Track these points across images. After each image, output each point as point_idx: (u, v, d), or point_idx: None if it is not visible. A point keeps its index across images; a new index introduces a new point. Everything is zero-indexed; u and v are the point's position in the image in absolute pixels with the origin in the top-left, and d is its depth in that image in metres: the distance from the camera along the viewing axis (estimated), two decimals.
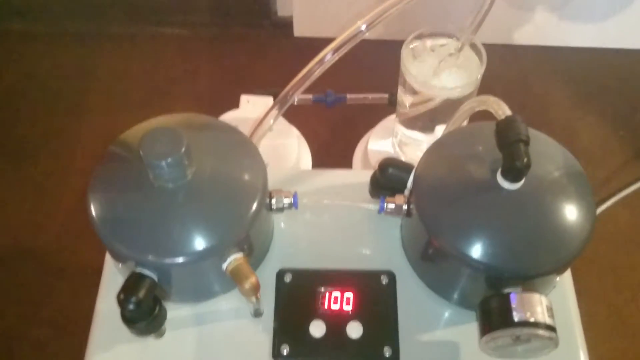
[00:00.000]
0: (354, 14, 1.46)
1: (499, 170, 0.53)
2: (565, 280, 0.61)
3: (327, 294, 0.59)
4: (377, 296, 0.60)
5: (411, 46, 0.78)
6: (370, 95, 0.95)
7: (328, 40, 0.71)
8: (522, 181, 0.53)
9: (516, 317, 0.50)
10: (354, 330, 0.58)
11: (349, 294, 0.59)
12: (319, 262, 0.62)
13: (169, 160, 0.51)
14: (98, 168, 0.56)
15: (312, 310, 0.59)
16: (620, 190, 1.35)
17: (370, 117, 1.05)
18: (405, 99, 0.82)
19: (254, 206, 0.55)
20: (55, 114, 1.46)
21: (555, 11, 1.44)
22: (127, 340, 0.57)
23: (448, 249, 0.53)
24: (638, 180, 1.36)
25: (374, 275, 0.61)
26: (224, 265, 0.54)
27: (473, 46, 0.78)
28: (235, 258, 0.54)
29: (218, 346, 0.58)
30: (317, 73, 0.69)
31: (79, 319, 1.20)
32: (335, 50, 0.68)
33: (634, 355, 1.18)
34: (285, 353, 0.57)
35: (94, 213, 0.54)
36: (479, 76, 0.75)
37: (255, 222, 0.55)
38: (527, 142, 0.51)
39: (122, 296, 0.52)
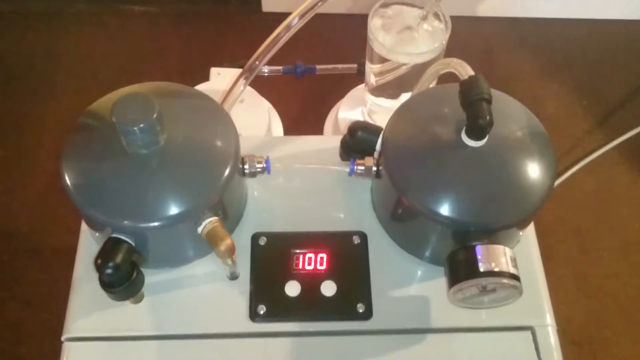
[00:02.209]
0: None
1: (464, 129, 0.55)
2: (528, 235, 0.64)
3: (301, 256, 0.61)
4: (349, 256, 0.62)
5: (377, 15, 0.79)
6: (339, 66, 0.96)
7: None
8: (486, 139, 0.55)
9: (482, 267, 0.52)
10: (328, 288, 0.60)
11: (322, 255, 0.61)
12: (292, 225, 0.63)
13: (141, 126, 0.51)
14: (70, 136, 0.57)
15: (287, 271, 0.61)
16: (584, 157, 1.39)
17: (339, 87, 1.06)
18: (373, 67, 0.84)
19: (227, 170, 0.56)
20: (20, 95, 1.44)
21: None
22: (106, 306, 0.59)
23: (416, 207, 0.55)
24: (601, 147, 1.41)
25: (346, 236, 0.63)
26: (200, 229, 0.56)
27: (436, 15, 0.79)
28: (210, 221, 0.56)
29: (196, 309, 0.59)
30: (284, 39, 0.70)
31: (53, 298, 1.21)
32: (302, 16, 0.69)
33: (600, 315, 1.22)
34: (262, 313, 0.59)
35: (68, 180, 0.54)
36: (444, 42, 0.76)
37: (229, 186, 0.56)
38: (489, 101, 0.53)
39: (99, 261, 0.53)
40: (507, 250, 0.53)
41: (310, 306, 0.59)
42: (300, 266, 0.61)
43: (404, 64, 0.78)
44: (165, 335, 0.58)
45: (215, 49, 1.47)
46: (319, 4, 0.67)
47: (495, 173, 0.55)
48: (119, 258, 0.53)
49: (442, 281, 0.60)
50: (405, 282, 0.61)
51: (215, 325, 0.58)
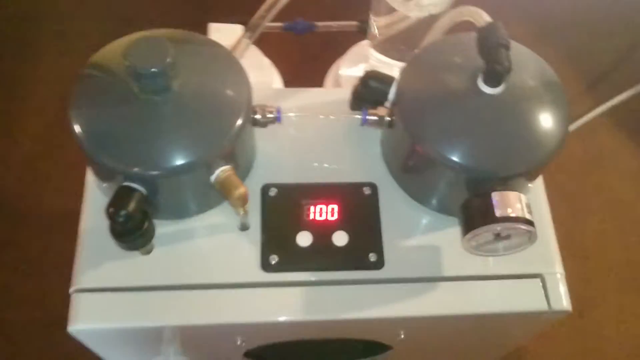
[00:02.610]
0: None
1: (480, 75, 0.54)
2: (537, 185, 0.64)
3: (312, 206, 0.61)
4: (360, 207, 0.62)
5: None
6: (339, 23, 0.94)
7: None
8: (503, 86, 0.54)
9: (498, 212, 0.52)
10: (340, 238, 0.60)
11: (333, 206, 0.61)
12: (302, 177, 0.63)
13: (155, 69, 0.50)
14: (77, 84, 0.55)
15: (298, 221, 0.60)
16: (574, 120, 1.40)
17: (341, 46, 1.05)
18: (380, 20, 0.83)
19: (240, 118, 0.55)
20: (4, 56, 1.40)
21: None
22: (114, 257, 0.58)
23: (432, 155, 0.55)
24: (590, 111, 1.42)
25: (356, 187, 0.62)
26: (212, 177, 0.55)
27: None
28: (222, 170, 0.55)
29: (207, 260, 0.59)
30: None
31: (43, 263, 1.19)
32: None
33: (587, 275, 1.25)
34: (273, 263, 0.58)
35: (77, 128, 0.53)
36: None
37: (241, 134, 0.55)
38: (507, 47, 0.53)
39: (111, 210, 0.52)
40: (522, 196, 0.54)
41: (322, 256, 0.59)
42: (312, 216, 0.60)
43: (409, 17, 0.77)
44: (176, 286, 0.57)
45: (210, 5, 1.43)
46: None
47: (511, 121, 0.55)
48: (131, 206, 0.52)
49: (453, 231, 0.60)
50: (416, 232, 0.61)
51: (227, 275, 0.58)
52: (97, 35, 1.41)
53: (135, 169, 0.52)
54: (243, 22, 0.79)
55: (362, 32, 0.92)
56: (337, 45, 1.04)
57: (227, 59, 0.59)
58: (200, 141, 0.53)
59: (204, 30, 1.07)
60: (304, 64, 1.24)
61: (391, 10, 0.79)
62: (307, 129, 0.65)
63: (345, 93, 0.65)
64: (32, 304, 1.14)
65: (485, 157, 0.54)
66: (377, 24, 0.84)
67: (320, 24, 0.94)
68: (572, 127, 1.38)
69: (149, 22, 1.41)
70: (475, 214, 0.54)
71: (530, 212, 0.53)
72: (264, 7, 0.74)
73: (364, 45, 0.94)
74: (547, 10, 1.54)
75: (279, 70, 1.06)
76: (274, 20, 0.81)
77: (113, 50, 0.57)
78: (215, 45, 0.59)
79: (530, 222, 0.53)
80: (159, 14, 1.45)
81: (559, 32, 1.52)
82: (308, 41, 1.01)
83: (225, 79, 0.57)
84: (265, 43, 0.92)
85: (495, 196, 0.53)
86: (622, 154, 1.42)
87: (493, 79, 0.54)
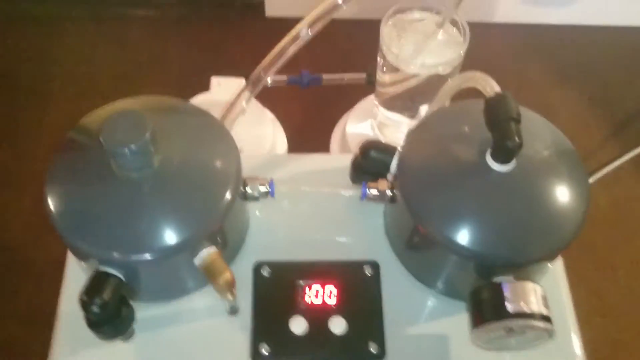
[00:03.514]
0: None
1: (488, 150, 0.50)
2: (556, 266, 0.59)
3: (307, 288, 0.56)
4: (360, 288, 0.57)
5: (390, 22, 0.74)
6: (347, 76, 0.91)
7: (300, 20, 0.67)
8: (513, 162, 0.49)
9: (510, 307, 0.47)
10: (338, 325, 0.54)
11: (330, 287, 0.56)
12: (298, 253, 0.58)
13: (133, 146, 0.46)
14: (55, 157, 0.52)
15: (292, 305, 0.55)
16: (598, 170, 1.33)
17: (347, 98, 1.01)
18: (385, 77, 0.79)
19: (227, 195, 0.51)
20: (16, 100, 1.39)
21: None
22: (93, 344, 0.53)
23: (436, 236, 0.50)
24: (615, 159, 1.35)
25: (356, 266, 0.57)
26: (196, 261, 0.50)
27: (454, 22, 0.74)
28: (207, 253, 0.50)
29: (192, 347, 0.54)
30: (291, 50, 0.65)
31: (47, 314, 1.16)
32: (310, 26, 0.64)
33: (614, 334, 1.17)
34: (264, 352, 0.53)
35: (52, 207, 0.49)
36: (462, 53, 0.71)
37: (229, 212, 0.51)
38: (518, 121, 0.48)
39: (85, 298, 0.48)
40: (538, 287, 0.48)
41: (318, 345, 0.54)
42: (307, 300, 0.55)
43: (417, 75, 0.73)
44: None
45: (217, 54, 1.42)
46: (331, 12, 0.61)
47: (524, 200, 0.50)
48: (106, 294, 0.48)
49: (462, 317, 0.55)
50: (421, 318, 0.56)
51: None
52: (106, 79, 1.40)
53: (111, 254, 0.48)
54: (247, 76, 0.76)
55: (370, 85, 0.88)
56: (344, 97, 0.99)
57: (214, 129, 0.55)
58: (183, 222, 0.49)
59: (214, 74, 1.04)
60: (309, 118, 1.21)
61: (396, 68, 0.75)
62: (304, 202, 0.61)
63: (346, 159, 0.60)
64: (39, 356, 1.10)
65: (495, 242, 0.49)
66: (383, 80, 0.80)
67: (326, 76, 0.90)
68: (597, 175, 1.33)
69: (159, 66, 1.41)
70: (484, 307, 0.49)
71: (547, 306, 0.48)
72: (266, 60, 0.71)
73: (371, 101, 0.90)
74: (566, 53, 1.50)
75: (282, 125, 1.02)
76: (278, 73, 0.77)
77: (95, 119, 0.53)
78: (202, 114, 0.55)
79: (547, 319, 0.47)
80: (169, 59, 1.44)
81: (580, 78, 1.47)
82: (314, 93, 0.97)
83: (212, 152, 0.53)
84: (269, 96, 0.89)
85: (507, 287, 0.48)
86: None
87: (503, 156, 0.49)
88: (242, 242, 0.59)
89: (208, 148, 0.53)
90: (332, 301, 0.55)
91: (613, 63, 1.49)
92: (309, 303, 0.55)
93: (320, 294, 0.56)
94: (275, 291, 0.56)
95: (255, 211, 0.60)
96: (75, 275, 0.57)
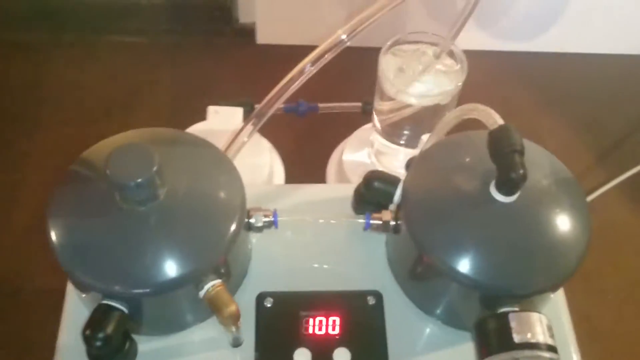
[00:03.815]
0: (317, 20, 1.43)
1: (492, 182, 0.50)
2: (557, 296, 0.59)
3: (311, 319, 0.56)
4: (364, 318, 0.56)
5: (389, 52, 0.75)
6: (343, 104, 0.91)
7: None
8: (517, 194, 0.50)
9: (516, 338, 0.47)
10: (342, 357, 0.54)
11: (334, 318, 0.56)
12: (301, 284, 0.58)
13: (140, 180, 0.46)
14: (58, 189, 0.51)
15: (295, 337, 0.55)
16: (586, 195, 1.35)
17: (343, 127, 1.01)
18: (383, 106, 0.80)
19: (233, 227, 0.50)
20: (3, 126, 1.38)
21: (516, 17, 1.44)
22: None
23: (440, 267, 0.50)
24: (602, 185, 1.37)
25: (359, 296, 0.57)
26: (201, 293, 0.50)
27: (451, 53, 0.75)
28: (213, 285, 0.50)
29: None
30: (296, 86, 0.65)
31: (35, 345, 1.14)
32: (314, 62, 0.64)
33: (606, 359, 1.18)
34: None
35: (55, 240, 0.49)
36: (460, 83, 0.72)
37: (235, 244, 0.51)
38: (522, 153, 0.49)
39: (88, 332, 0.47)
40: (543, 317, 0.48)
41: None
42: (311, 331, 0.55)
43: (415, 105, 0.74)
44: None
45: (209, 82, 1.42)
46: (336, 48, 0.62)
47: (528, 231, 0.50)
48: (110, 328, 0.47)
49: (466, 347, 0.55)
50: (427, 348, 0.56)
51: None
52: (97, 106, 1.39)
53: (116, 288, 0.47)
54: (243, 105, 0.76)
55: (366, 114, 0.89)
56: (340, 126, 1.00)
57: (218, 160, 0.55)
58: (189, 255, 0.49)
59: (204, 101, 1.04)
60: (306, 146, 1.21)
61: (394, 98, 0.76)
62: (306, 232, 0.61)
63: (348, 189, 0.60)
64: None
65: (500, 273, 0.49)
66: (381, 108, 0.81)
67: (323, 105, 0.91)
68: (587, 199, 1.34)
69: (150, 93, 1.41)
70: (491, 338, 0.48)
71: (552, 336, 0.48)
72: (269, 95, 0.71)
73: (368, 129, 0.91)
74: (553, 80, 1.52)
75: (280, 152, 1.02)
76: (282, 53, 0.77)
77: (98, 152, 0.53)
78: (206, 145, 0.55)
79: (553, 349, 0.47)
80: (160, 86, 1.43)
81: (566, 103, 1.49)
82: (311, 122, 0.98)
83: (216, 183, 0.53)
84: (266, 124, 0.89)
85: (514, 318, 0.48)
86: (639, 227, 1.36)
87: (507, 188, 0.49)
88: (245, 274, 0.58)
89: (213, 180, 0.53)
90: (335, 332, 0.55)
91: (597, 90, 1.52)
92: (313, 334, 0.55)
93: (324, 324, 0.55)
94: (279, 323, 0.56)
95: (258, 243, 0.60)
96: (75, 308, 0.56)
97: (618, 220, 1.36)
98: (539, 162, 0.55)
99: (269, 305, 0.56)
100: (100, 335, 0.47)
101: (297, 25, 1.36)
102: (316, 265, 0.59)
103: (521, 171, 0.48)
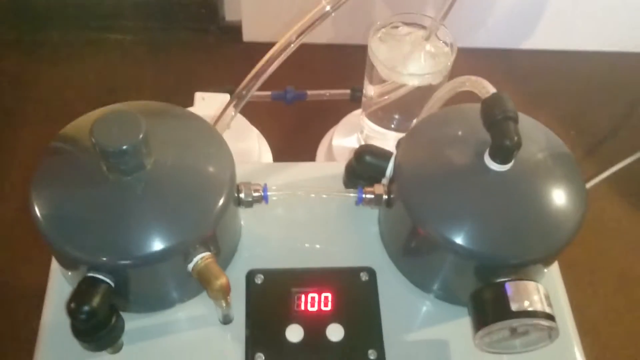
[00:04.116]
0: (302, 18, 1.42)
1: (487, 151, 0.49)
2: (553, 270, 0.58)
3: (303, 295, 0.54)
4: (357, 295, 0.55)
5: (378, 34, 0.74)
6: (331, 91, 0.91)
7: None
8: (512, 162, 0.49)
9: (514, 307, 0.46)
10: (335, 332, 0.53)
11: (326, 294, 0.55)
12: (292, 261, 0.57)
13: (126, 147, 0.45)
14: (42, 161, 0.50)
15: (287, 313, 0.54)
16: None
17: (331, 116, 1.00)
18: (372, 90, 0.79)
19: (222, 198, 0.49)
20: None
21: (504, 14, 1.44)
22: (80, 355, 0.51)
23: (436, 238, 0.49)
24: (590, 179, 1.38)
25: (352, 273, 0.56)
26: (190, 266, 0.49)
27: (440, 35, 0.75)
28: (202, 257, 0.49)
29: (184, 359, 0.52)
30: (280, 59, 0.64)
31: (18, 346, 1.11)
32: (299, 35, 0.64)
33: (596, 352, 1.17)
34: None
35: (37, 210, 0.47)
36: (449, 63, 0.72)
37: (224, 216, 0.50)
38: (516, 120, 0.48)
39: (72, 305, 0.45)
40: (540, 286, 0.48)
41: (315, 353, 0.52)
42: (303, 307, 0.54)
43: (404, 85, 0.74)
44: None
45: (196, 79, 1.41)
46: (320, 20, 0.61)
47: (523, 200, 0.50)
48: (95, 301, 0.45)
49: (463, 322, 0.54)
50: (421, 323, 0.55)
51: None
52: (81, 103, 1.38)
53: (101, 259, 0.46)
54: (230, 91, 0.75)
55: (354, 101, 0.89)
56: (330, 114, 0.99)
57: (207, 133, 0.54)
58: (177, 226, 0.47)
59: (190, 100, 1.04)
60: (295, 134, 1.20)
61: (384, 79, 0.75)
62: (297, 208, 0.60)
63: (338, 167, 0.60)
64: None
65: (496, 242, 0.48)
66: (371, 92, 0.80)
67: (311, 92, 0.90)
68: None
69: (135, 91, 1.40)
70: (487, 308, 0.48)
71: (550, 305, 0.47)
72: (249, 76, 0.70)
73: (357, 115, 0.90)
74: (539, 76, 1.53)
75: (268, 140, 1.01)
76: (263, 89, 0.77)
77: (84, 124, 0.52)
78: (195, 118, 0.54)
79: (551, 317, 0.46)
80: (145, 84, 1.42)
81: (553, 98, 1.50)
82: (299, 110, 0.97)
83: (205, 155, 0.51)
84: (254, 112, 0.88)
85: (510, 287, 0.47)
86: (627, 221, 1.37)
87: (502, 156, 0.48)
88: (235, 251, 0.57)
89: (202, 151, 0.52)
90: (328, 308, 0.54)
91: (583, 86, 1.53)
92: (305, 310, 0.54)
93: (316, 300, 0.54)
94: (270, 299, 0.54)
95: (247, 220, 0.59)
96: (59, 286, 0.54)
97: (606, 214, 1.37)
98: (534, 133, 0.54)
99: (259, 282, 0.55)
100: (85, 308, 0.45)
101: (283, 23, 1.36)
102: (307, 244, 0.58)
103: (515, 138, 0.47)
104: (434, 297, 0.55)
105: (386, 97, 0.76)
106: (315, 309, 0.54)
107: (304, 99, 0.89)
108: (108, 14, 1.48)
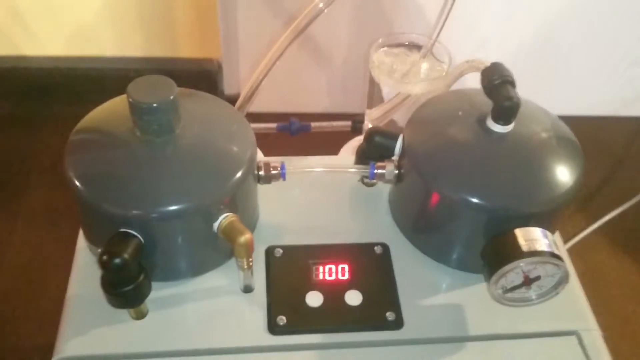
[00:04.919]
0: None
1: (489, 116, 0.54)
2: (556, 241, 0.61)
3: (320, 267, 0.56)
4: (372, 266, 0.57)
5: (380, 51, 0.79)
6: (334, 123, 0.96)
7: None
8: (513, 124, 0.53)
9: (524, 247, 0.49)
10: (353, 298, 0.55)
11: (343, 265, 0.57)
12: (308, 238, 0.59)
13: (157, 105, 0.49)
14: (76, 133, 0.53)
15: (306, 282, 0.55)
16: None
17: (333, 144, 1.05)
18: (373, 113, 0.84)
19: (243, 167, 0.52)
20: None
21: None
22: (104, 323, 0.52)
23: (450, 197, 0.52)
24: (582, 230, 1.42)
25: (366, 247, 0.59)
26: (215, 225, 0.51)
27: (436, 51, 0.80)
28: (225, 216, 0.51)
29: (207, 323, 0.53)
30: (278, 57, 0.71)
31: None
32: (295, 36, 0.70)
33: None
34: (282, 324, 0.52)
35: (71, 171, 0.50)
36: (445, 72, 0.76)
37: (244, 183, 0.53)
38: (513, 84, 0.53)
39: (105, 257, 0.47)
40: (548, 233, 0.50)
41: (335, 316, 0.53)
42: (321, 276, 0.56)
43: (406, 98, 0.78)
44: (173, 352, 0.51)
45: None
46: (314, 18, 0.68)
47: (528, 157, 0.54)
48: (127, 252, 0.47)
49: (474, 288, 0.56)
50: (435, 290, 0.56)
51: (229, 339, 0.52)
52: None
53: (132, 212, 0.48)
54: None
55: (356, 132, 0.93)
56: (332, 144, 1.04)
57: (232, 114, 0.58)
58: (203, 185, 0.50)
59: None
60: None
61: (384, 98, 0.80)
62: (313, 189, 0.63)
63: (350, 159, 0.63)
64: None
65: (505, 195, 0.52)
66: (371, 115, 0.85)
67: (314, 124, 0.95)
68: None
69: None
70: (499, 254, 0.50)
71: (558, 249, 0.50)
72: (248, 85, 0.76)
73: (358, 140, 0.95)
74: None
75: None
76: (267, 121, 0.82)
77: (117, 101, 0.56)
78: (222, 102, 0.59)
79: (560, 258, 0.49)
80: None
81: None
82: (303, 140, 1.01)
83: (229, 131, 0.55)
84: (260, 143, 0.92)
85: (520, 232, 0.50)
86: (623, 269, 1.40)
87: (503, 116, 0.53)
88: (254, 228, 0.59)
89: (227, 127, 0.55)
90: (345, 277, 0.56)
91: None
92: (324, 279, 0.55)
93: (334, 271, 0.56)
94: (289, 270, 0.56)
95: (264, 200, 0.61)
96: (85, 261, 0.56)
97: (603, 264, 1.40)
98: (530, 106, 0.58)
99: (278, 255, 0.57)
100: (117, 258, 0.47)
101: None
102: (323, 221, 0.61)
103: (515, 98, 0.52)
104: (446, 266, 0.57)
105: (390, 113, 0.81)
106: (333, 278, 0.56)
107: (308, 130, 0.94)
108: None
